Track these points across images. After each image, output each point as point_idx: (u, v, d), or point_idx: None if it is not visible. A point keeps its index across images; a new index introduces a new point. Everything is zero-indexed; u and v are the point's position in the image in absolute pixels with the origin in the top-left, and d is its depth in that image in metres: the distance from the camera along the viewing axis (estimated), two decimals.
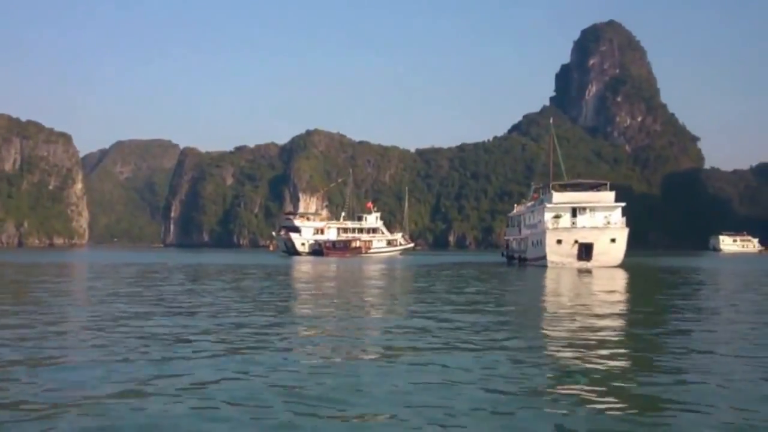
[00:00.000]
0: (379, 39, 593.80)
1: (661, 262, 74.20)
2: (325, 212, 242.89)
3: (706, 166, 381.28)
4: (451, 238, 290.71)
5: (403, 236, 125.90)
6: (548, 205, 56.66)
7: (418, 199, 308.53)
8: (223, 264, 59.84)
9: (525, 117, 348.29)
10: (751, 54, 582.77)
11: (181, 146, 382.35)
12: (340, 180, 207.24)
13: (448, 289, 27.73)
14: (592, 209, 55.44)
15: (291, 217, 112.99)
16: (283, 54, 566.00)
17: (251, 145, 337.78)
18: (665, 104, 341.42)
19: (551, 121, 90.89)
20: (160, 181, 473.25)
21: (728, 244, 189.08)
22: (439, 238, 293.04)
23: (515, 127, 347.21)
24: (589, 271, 44.66)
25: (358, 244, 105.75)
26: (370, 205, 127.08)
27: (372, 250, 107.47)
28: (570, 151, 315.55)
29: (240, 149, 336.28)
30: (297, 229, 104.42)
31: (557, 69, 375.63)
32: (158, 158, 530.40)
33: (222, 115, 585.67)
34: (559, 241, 53.70)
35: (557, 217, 55.48)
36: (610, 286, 30.39)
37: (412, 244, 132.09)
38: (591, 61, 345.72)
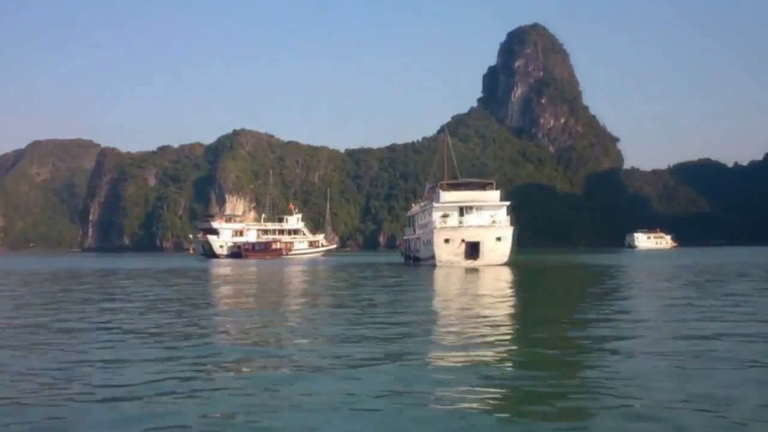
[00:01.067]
0: (307, 37, 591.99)
1: (566, 260, 75.83)
2: (252, 214, 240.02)
3: (627, 166, 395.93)
4: (381, 239, 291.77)
5: (325, 237, 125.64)
6: (436, 205, 57.04)
7: (347, 200, 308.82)
8: (123, 269, 56.46)
9: (453, 117, 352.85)
10: (666, 57, 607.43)
11: (103, 146, 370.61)
12: (260, 181, 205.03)
13: (311, 290, 28.10)
14: (479, 208, 55.89)
15: (209, 218, 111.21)
16: (209, 51, 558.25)
17: (175, 145, 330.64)
18: (587, 106, 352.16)
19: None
20: (80, 182, 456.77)
21: (643, 240, 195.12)
22: (369, 238, 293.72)
23: (443, 128, 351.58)
24: (476, 270, 45.10)
25: (278, 245, 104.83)
26: (291, 206, 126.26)
27: (293, 252, 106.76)
28: (497, 152, 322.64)
29: (163, 149, 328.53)
30: (215, 231, 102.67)
31: (485, 70, 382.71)
32: (78, 159, 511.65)
33: (145, 114, 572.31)
34: (447, 240, 54.08)
35: (445, 216, 55.87)
36: (488, 285, 30.68)
37: (335, 245, 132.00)
38: (516, 64, 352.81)
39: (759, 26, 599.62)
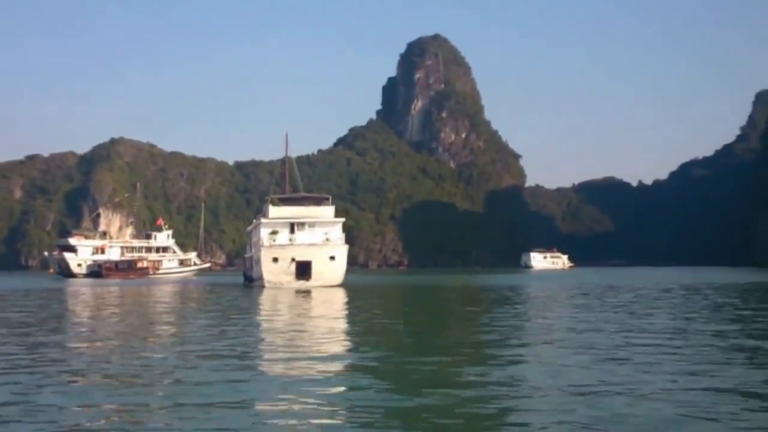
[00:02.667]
0: (193, 43, 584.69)
1: (436, 281, 76.10)
2: (130, 230, 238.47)
3: (531, 183, 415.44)
4: None
5: (199, 255, 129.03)
6: (264, 221, 57.35)
7: (236, 215, 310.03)
8: None
9: (351, 130, 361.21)
10: (571, 74, 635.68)
11: None
12: (127, 194, 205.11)
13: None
14: (311, 225, 56.42)
15: (69, 235, 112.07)
16: (85, 52, 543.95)
17: (45, 154, 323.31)
18: (489, 121, 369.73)
19: (286, 138, 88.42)
20: None
21: (539, 260, 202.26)
22: None
23: (341, 141, 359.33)
24: (308, 292, 45.18)
25: (144, 264, 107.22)
26: (160, 221, 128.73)
27: (161, 271, 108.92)
28: (396, 167, 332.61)
29: (32, 158, 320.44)
30: (72, 248, 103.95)
31: (384, 81, 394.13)
32: None
33: (12, 120, 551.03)
34: (275, 259, 54.01)
35: (274, 233, 56.05)
36: (304, 310, 30.37)
37: (208, 264, 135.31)
38: (416, 75, 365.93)
39: (663, 44, 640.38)
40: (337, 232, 57.46)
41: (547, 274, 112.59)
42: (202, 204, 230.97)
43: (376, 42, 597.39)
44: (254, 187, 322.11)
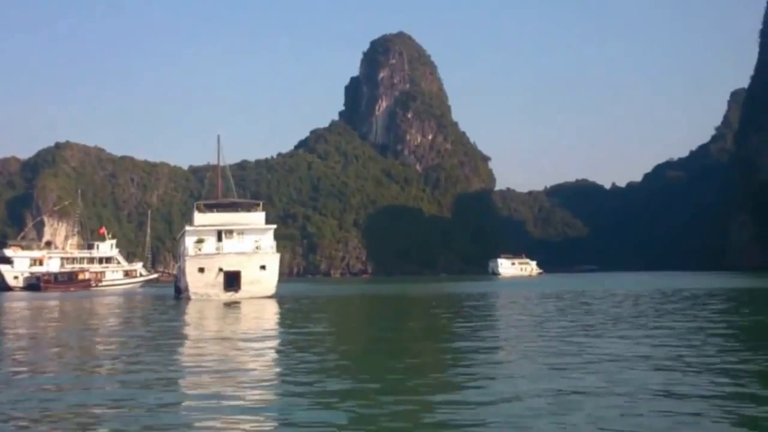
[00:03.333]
0: (146, 44, 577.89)
1: (389, 291, 77.15)
2: (76, 239, 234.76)
3: (501, 187, 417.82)
4: None
5: (145, 266, 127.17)
6: (189, 228, 56.30)
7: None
8: None
9: (313, 132, 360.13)
10: (540, 75, 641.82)
11: None
12: (67, 202, 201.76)
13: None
14: (240, 232, 55.19)
15: (3, 245, 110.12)
16: (29, 53, 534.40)
17: None
18: (456, 122, 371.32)
19: (218, 140, 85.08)
20: None
21: (507, 267, 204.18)
22: None
23: (302, 143, 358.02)
24: (236, 304, 44.22)
25: (87, 276, 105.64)
26: (102, 230, 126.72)
27: (104, 283, 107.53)
28: (359, 171, 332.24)
29: None
30: (8, 260, 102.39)
31: (347, 81, 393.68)
32: None
33: None
34: (201, 270, 52.56)
35: (200, 241, 54.73)
36: (222, 324, 29.60)
37: (156, 275, 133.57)
38: (380, 75, 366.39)
39: (637, 43, 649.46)
40: (268, 240, 56.28)
41: (514, 281, 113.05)
42: (149, 212, 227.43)
43: (338, 40, 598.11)
44: (210, 193, 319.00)
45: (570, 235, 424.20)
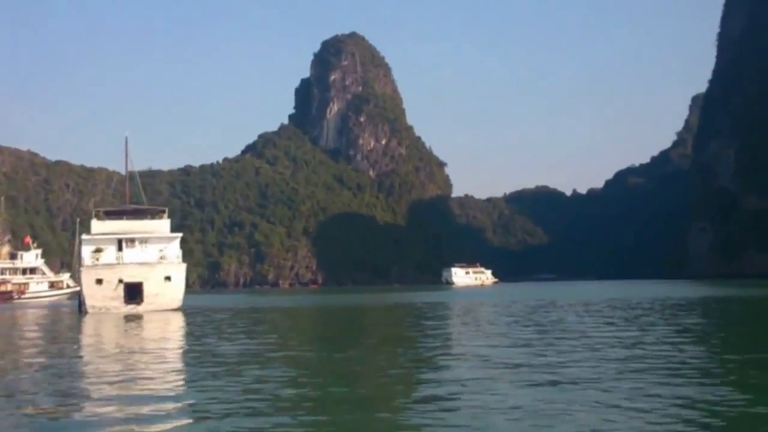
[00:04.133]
0: (87, 44, 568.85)
1: (331, 301, 77.46)
2: (6, 248, 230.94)
3: (459, 193, 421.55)
4: None
5: (72, 276, 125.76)
6: (86, 237, 54.77)
7: None
8: None
9: (261, 136, 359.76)
10: (500, 79, 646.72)
11: None
12: None
13: None
14: (143, 241, 54.03)
15: None
16: None
17: None
18: (411, 126, 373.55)
19: (125, 142, 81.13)
20: None
21: (461, 276, 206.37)
22: None
23: (249, 148, 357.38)
24: (138, 318, 43.17)
25: (8, 287, 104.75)
26: (27, 239, 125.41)
27: (28, 295, 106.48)
28: (309, 176, 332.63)
29: None
30: None
31: (297, 83, 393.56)
32: None
33: None
34: (99, 281, 51.35)
35: (98, 251, 53.40)
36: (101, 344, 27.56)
37: None
38: (332, 77, 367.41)
39: (598, 47, 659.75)
40: (174, 249, 55.17)
41: (467, 291, 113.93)
42: (77, 219, 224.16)
43: (288, 40, 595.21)
44: (151, 200, 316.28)
45: (530, 242, 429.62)
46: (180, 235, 58.29)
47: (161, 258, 53.82)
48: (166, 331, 34.53)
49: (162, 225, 57.40)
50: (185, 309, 53.27)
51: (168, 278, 52.74)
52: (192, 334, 31.30)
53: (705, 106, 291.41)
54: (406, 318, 41.59)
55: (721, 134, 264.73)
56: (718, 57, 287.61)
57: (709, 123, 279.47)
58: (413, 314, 44.55)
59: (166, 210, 61.87)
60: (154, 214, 59.80)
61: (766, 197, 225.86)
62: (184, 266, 54.73)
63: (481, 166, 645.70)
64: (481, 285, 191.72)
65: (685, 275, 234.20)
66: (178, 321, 40.20)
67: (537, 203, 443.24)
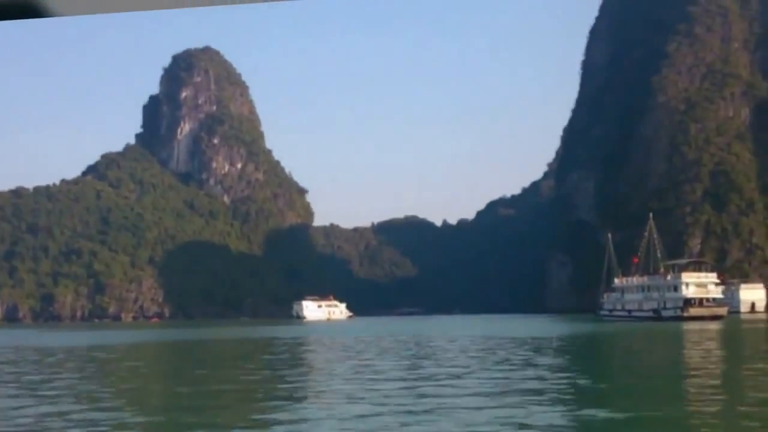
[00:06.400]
0: None
1: (142, 338, 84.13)
2: None
3: (326, 222, 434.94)
4: None
5: None
6: None
7: None
8: None
9: (104, 157, 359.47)
10: (368, 106, 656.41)
11: None
12: None
13: None
14: None
15: None
16: None
17: None
18: (270, 150, 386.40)
19: None
20: None
21: (312, 310, 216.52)
22: None
23: (91, 169, 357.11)
24: None
25: None
26: None
27: None
28: (157, 201, 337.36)
29: None
30: None
31: (145, 99, 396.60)
32: None
33: None
34: None
35: None
36: None
37: None
38: (183, 94, 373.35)
39: (470, 79, 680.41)
40: None
41: (315, 326, 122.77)
42: None
43: (135, 53, 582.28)
44: None
45: (397, 274, 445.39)
46: None
47: None
48: None
49: None
50: None
51: None
52: None
53: (566, 137, 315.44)
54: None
55: (582, 166, 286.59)
56: (581, 87, 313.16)
57: (570, 154, 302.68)
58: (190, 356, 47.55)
59: None
60: None
61: (621, 230, 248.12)
62: None
63: (348, 194, 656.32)
64: (327, 319, 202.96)
65: (543, 309, 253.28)
66: None
67: (406, 234, 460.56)
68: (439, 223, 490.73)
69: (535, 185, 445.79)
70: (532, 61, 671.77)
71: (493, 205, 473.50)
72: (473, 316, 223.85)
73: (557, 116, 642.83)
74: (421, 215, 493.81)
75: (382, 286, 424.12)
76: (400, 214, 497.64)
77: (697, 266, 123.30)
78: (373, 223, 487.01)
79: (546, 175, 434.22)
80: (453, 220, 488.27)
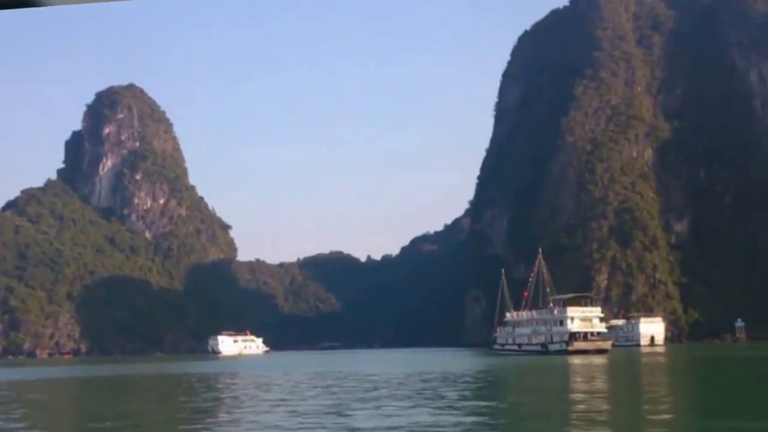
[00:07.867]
0: None
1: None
2: None
3: (251, 258, 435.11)
4: None
5: None
6: None
7: None
8: None
9: (24, 192, 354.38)
10: (292, 145, 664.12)
11: None
12: None
13: None
14: None
15: None
16: None
17: None
18: (194, 186, 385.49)
19: None
20: None
21: (228, 345, 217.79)
22: None
23: (10, 205, 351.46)
24: None
25: None
26: None
27: None
28: (77, 237, 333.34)
29: None
30: None
31: (68, 135, 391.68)
32: None
33: None
34: None
35: None
36: None
37: None
38: (106, 130, 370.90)
39: (392, 112, 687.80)
40: None
41: (227, 362, 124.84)
42: None
43: (58, 88, 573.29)
44: None
45: (322, 309, 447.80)
46: None
47: None
48: None
49: None
50: None
51: None
52: None
53: (481, 176, 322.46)
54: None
55: (495, 203, 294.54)
56: (495, 127, 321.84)
57: (485, 192, 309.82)
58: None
59: None
60: None
61: (531, 265, 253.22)
62: None
63: (273, 230, 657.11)
64: (239, 354, 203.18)
65: (461, 343, 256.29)
66: None
67: (331, 269, 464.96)
68: (363, 258, 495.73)
69: (457, 222, 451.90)
70: (454, 101, 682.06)
71: (416, 241, 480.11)
72: (392, 349, 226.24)
73: (479, 155, 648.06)
74: (346, 251, 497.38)
75: (307, 321, 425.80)
76: (325, 249, 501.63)
77: (583, 300, 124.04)
78: (299, 258, 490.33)
79: (467, 212, 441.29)
80: (377, 256, 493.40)
